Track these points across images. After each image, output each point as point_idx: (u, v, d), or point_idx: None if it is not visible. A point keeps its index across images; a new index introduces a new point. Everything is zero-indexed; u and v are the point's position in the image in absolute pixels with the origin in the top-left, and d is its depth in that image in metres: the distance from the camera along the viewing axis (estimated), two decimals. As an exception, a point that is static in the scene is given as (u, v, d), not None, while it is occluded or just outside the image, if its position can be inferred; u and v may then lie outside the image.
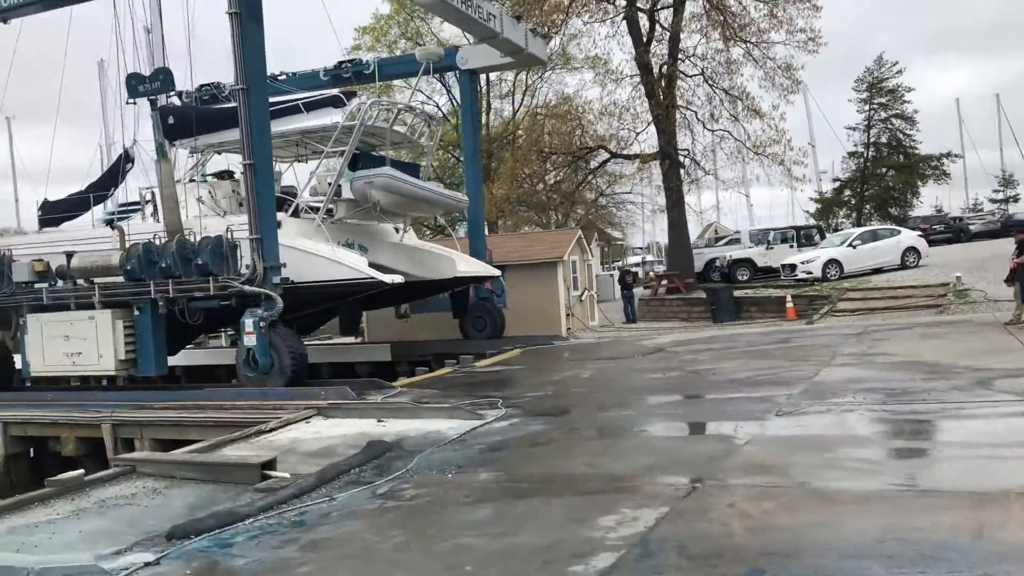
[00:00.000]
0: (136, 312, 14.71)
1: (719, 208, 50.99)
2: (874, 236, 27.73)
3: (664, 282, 29.62)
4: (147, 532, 6.46)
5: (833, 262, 25.92)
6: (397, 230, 19.02)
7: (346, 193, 16.66)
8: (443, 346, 19.64)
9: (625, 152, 33.00)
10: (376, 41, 42.51)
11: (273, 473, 7.95)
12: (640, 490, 6.54)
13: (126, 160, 19.48)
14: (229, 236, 14.16)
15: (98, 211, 18.89)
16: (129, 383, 16.37)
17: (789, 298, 22.57)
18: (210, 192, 17.22)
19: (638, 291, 29.78)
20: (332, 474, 7.83)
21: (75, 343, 14.86)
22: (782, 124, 30.19)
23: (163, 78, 14.96)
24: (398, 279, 15.26)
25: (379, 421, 10.73)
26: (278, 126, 16.87)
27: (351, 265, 15.06)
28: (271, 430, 10.59)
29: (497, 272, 19.20)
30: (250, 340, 13.65)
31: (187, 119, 17.55)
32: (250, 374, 13.76)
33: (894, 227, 32.95)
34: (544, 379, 13.78)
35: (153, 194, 16.49)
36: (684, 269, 28.93)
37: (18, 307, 15.59)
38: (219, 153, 18.92)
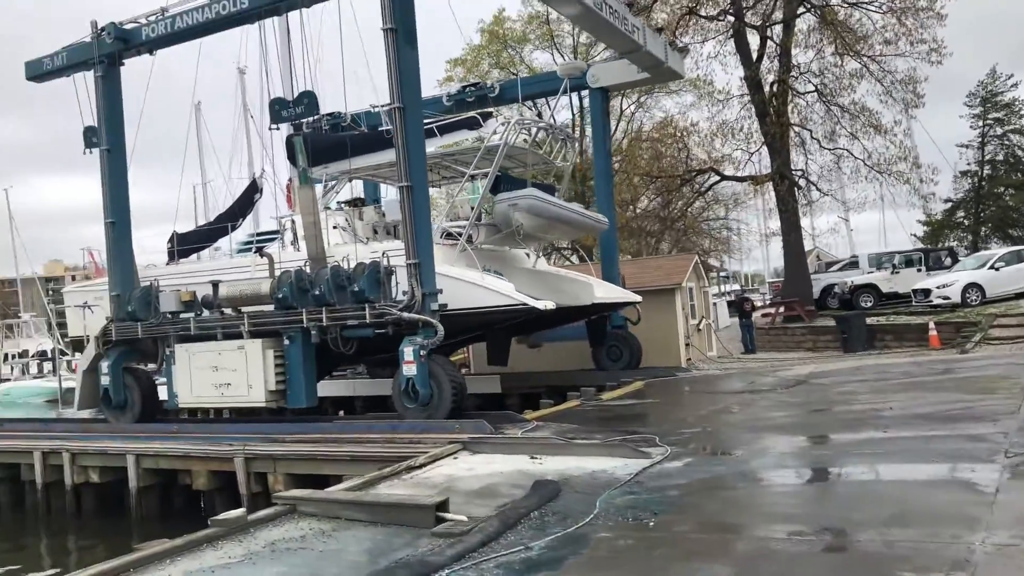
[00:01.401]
0: (286, 341, 14.26)
1: (813, 232, 49.07)
2: (1019, 258, 25.84)
3: (781, 309, 28.26)
4: (330, 582, 5.97)
5: (974, 286, 24.22)
6: (528, 255, 18.37)
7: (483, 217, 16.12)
8: (555, 377, 18.90)
9: (737, 174, 32.01)
10: (468, 72, 42.71)
11: (448, 516, 7.31)
12: (919, 550, 5.52)
13: (254, 190, 19.37)
14: (386, 262, 13.62)
15: (232, 241, 18.71)
16: (246, 414, 16.04)
17: (932, 325, 21.08)
18: (347, 219, 16.84)
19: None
20: (514, 518, 7.16)
21: (224, 374, 14.48)
22: (906, 141, 28.85)
23: (307, 102, 14.61)
24: (551, 305, 14.51)
25: (532, 458, 10.08)
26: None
27: (502, 291, 14.39)
28: (420, 466, 10.01)
29: (637, 298, 18.30)
30: (410, 370, 13.01)
31: (321, 146, 17.29)
32: (409, 405, 13.11)
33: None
34: (689, 414, 12.96)
35: (293, 222, 16.15)
36: (803, 296, 27.54)
37: (165, 337, 15.34)
38: (350, 180, 18.61)
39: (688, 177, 33.24)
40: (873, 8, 27.52)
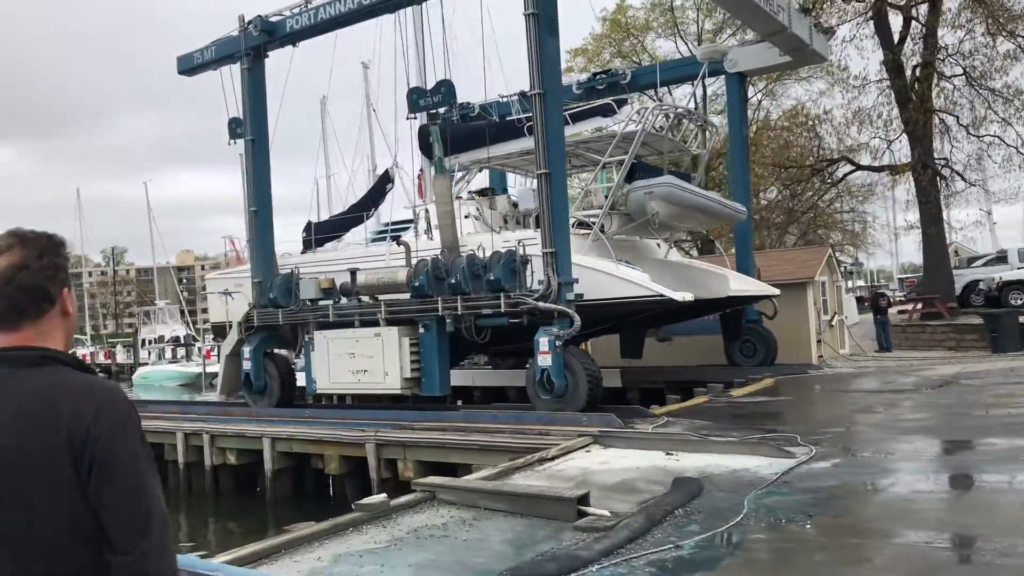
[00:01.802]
0: (421, 329, 14.33)
1: (958, 225, 45.98)
2: None
3: (919, 306, 26.58)
4: (478, 571, 5.98)
5: None
6: (658, 246, 17.86)
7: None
8: (678, 373, 18.30)
9: (873, 164, 30.34)
10: (589, 62, 42.33)
11: (589, 510, 7.11)
12: None
13: (386, 181, 19.62)
14: (522, 251, 13.46)
15: (363, 231, 19.02)
16: (369, 401, 16.15)
17: None
18: (478, 208, 16.80)
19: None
20: (659, 515, 6.88)
21: (361, 360, 14.69)
22: None
23: (444, 90, 14.63)
24: (689, 297, 14.00)
25: (668, 454, 9.74)
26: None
27: (638, 282, 13.99)
28: (552, 458, 9.81)
29: (775, 291, 17.50)
30: (544, 360, 12.81)
31: (453, 136, 17.28)
32: (544, 396, 12.91)
33: None
34: (828, 413, 12.29)
35: (427, 211, 16.23)
36: (944, 292, 25.80)
37: (305, 324, 15.71)
38: (481, 170, 18.58)
39: (820, 167, 31.76)
40: None
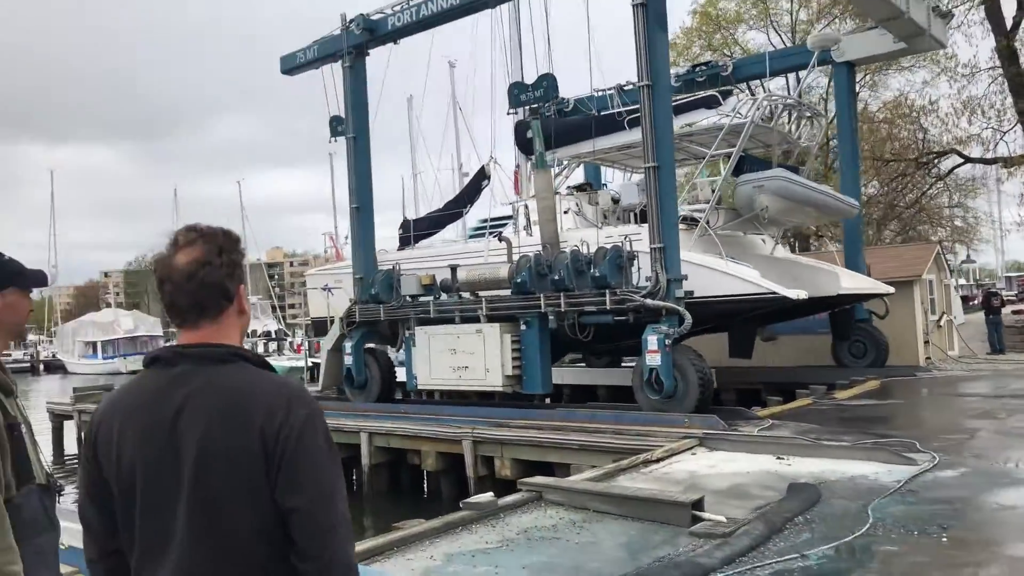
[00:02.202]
0: (523, 327, 14.17)
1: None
2: None
3: None
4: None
5: None
6: (763, 241, 17.23)
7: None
8: (775, 374, 17.65)
9: (985, 156, 28.79)
10: (679, 56, 41.61)
11: (704, 515, 6.87)
12: None
13: (482, 177, 19.53)
14: (628, 246, 13.15)
15: (461, 227, 19.01)
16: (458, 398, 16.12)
17: None
18: (577, 204, 16.54)
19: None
20: (779, 523, 6.60)
21: (462, 357, 14.63)
22: None
23: (546, 85, 14.41)
24: (803, 294, 13.42)
25: (778, 458, 9.37)
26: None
27: (749, 279, 13.49)
28: (657, 460, 9.56)
29: (889, 289, 16.69)
30: (653, 359, 12.46)
31: (552, 131, 17.06)
32: (653, 397, 12.56)
33: None
34: (944, 418, 11.65)
35: (526, 206, 16.06)
36: None
37: (406, 319, 15.75)
38: (579, 165, 18.31)
39: (926, 159, 30.32)
40: None
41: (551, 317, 13.75)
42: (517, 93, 14.87)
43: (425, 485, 15.13)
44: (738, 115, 14.91)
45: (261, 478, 1.82)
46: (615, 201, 16.73)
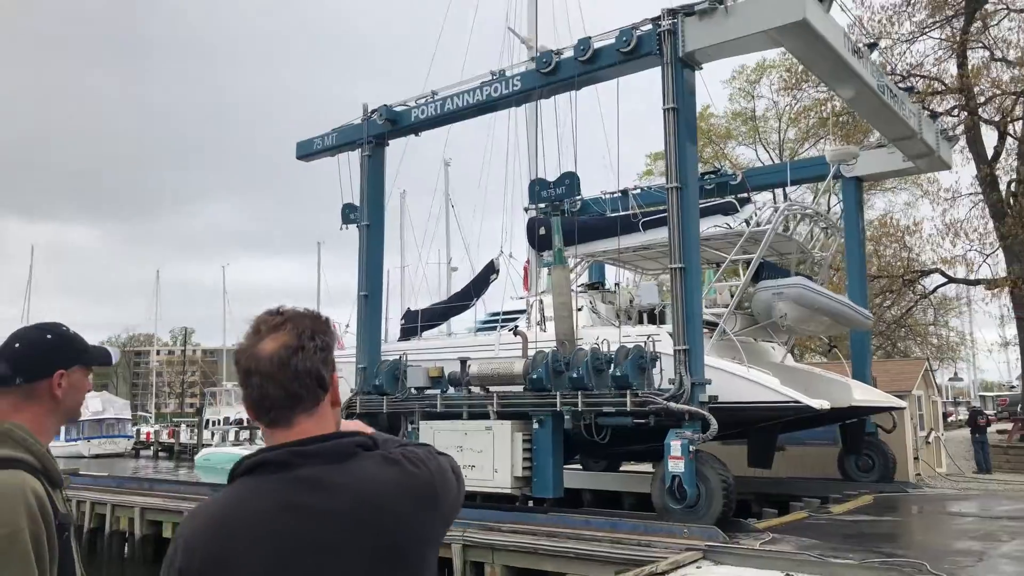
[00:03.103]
0: (536, 425, 13.69)
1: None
2: None
3: (1020, 425, 25.11)
4: None
5: None
6: (773, 349, 17.08)
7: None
8: (767, 485, 17.01)
9: (968, 277, 29.41)
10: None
11: None
12: None
13: (491, 271, 19.40)
14: (651, 347, 12.89)
15: (469, 320, 18.74)
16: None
17: None
18: (591, 301, 16.36)
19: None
20: None
21: (469, 455, 14.04)
22: None
23: (569, 182, 14.46)
24: (826, 405, 13.15)
25: (787, 575, 9.02)
26: (663, 233, 15.96)
27: (772, 387, 13.22)
28: (662, 573, 9.21)
29: (902, 403, 16.50)
30: (676, 466, 12.00)
31: (568, 229, 17.05)
32: (674, 506, 12.03)
33: None
34: (947, 538, 11.49)
35: (541, 301, 15.83)
36: None
37: (410, 413, 15.22)
38: (589, 264, 18.24)
39: (912, 277, 30.84)
40: None
41: (567, 417, 13.31)
42: (539, 190, 14.88)
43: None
44: (756, 223, 14.99)
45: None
46: (629, 302, 16.57)
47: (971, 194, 28.69)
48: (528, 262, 19.04)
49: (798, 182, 19.44)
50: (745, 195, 16.01)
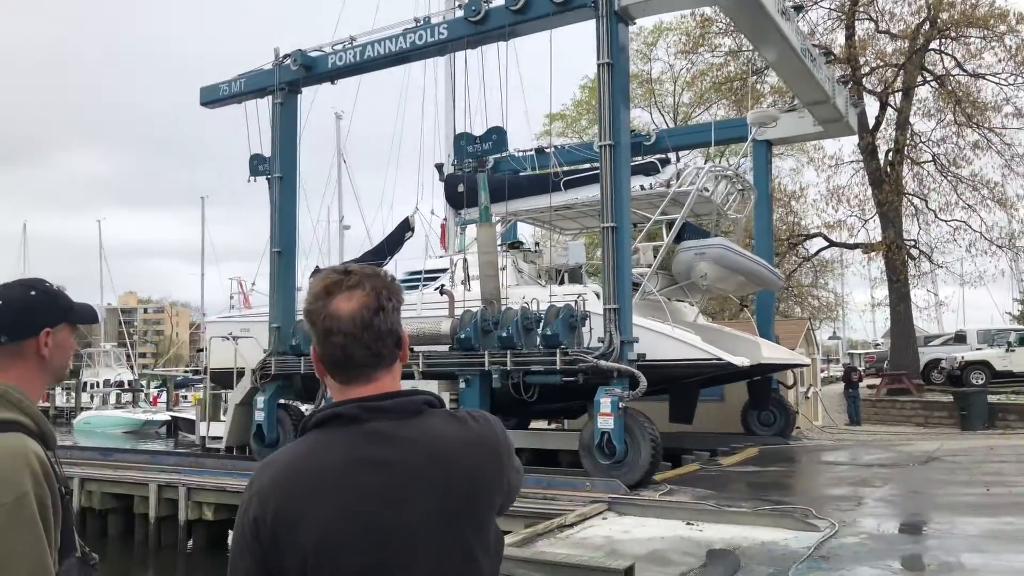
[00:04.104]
0: (463, 385, 13.48)
1: (936, 303, 46.81)
2: None
3: (887, 380, 26.81)
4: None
5: None
6: (685, 308, 17.44)
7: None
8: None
9: (848, 241, 30.91)
10: (568, 127, 42.98)
11: None
12: None
13: (406, 228, 18.90)
14: (581, 306, 12.84)
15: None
16: None
17: None
18: (513, 261, 16.18)
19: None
20: None
21: (392, 416, 13.68)
22: None
23: (497, 137, 14.11)
24: (747, 361, 13.54)
25: (688, 523, 9.54)
26: (585, 193, 15.95)
27: (696, 344, 13.49)
28: (571, 524, 9.59)
29: (807, 360, 17.20)
30: (605, 422, 12.06)
31: (495, 187, 16.76)
32: (603, 461, 12.12)
33: None
34: (827, 485, 12.57)
35: (465, 260, 15.51)
36: (910, 369, 26.03)
37: (330, 374, 14.67)
38: (508, 223, 18.01)
39: (796, 241, 32.19)
40: (997, 80, 26.60)
41: (495, 376, 13.16)
42: (464, 144, 14.46)
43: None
44: (679, 183, 15.12)
45: (490, 534, 1.72)
46: (561, 258, 16.46)
47: (852, 162, 30.09)
48: (445, 220, 18.66)
49: (693, 146, 19.74)
50: (664, 156, 16.10)
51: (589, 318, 12.93)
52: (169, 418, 39.80)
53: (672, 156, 17.44)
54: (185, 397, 37.20)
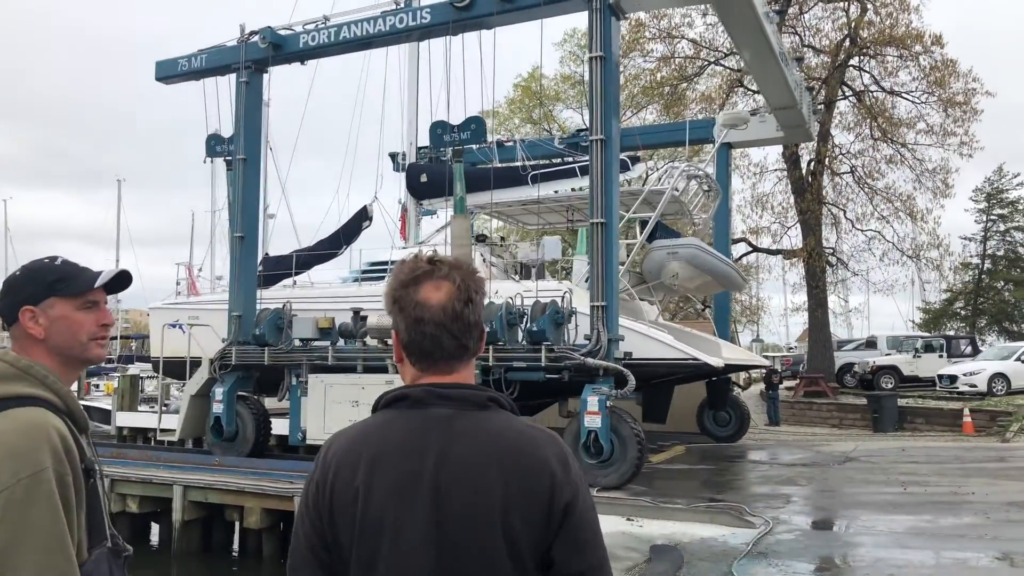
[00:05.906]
0: (440, 380, 13.09)
1: (848, 309, 48.71)
2: (1045, 350, 25.70)
3: (804, 383, 27.79)
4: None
5: (1000, 376, 24.12)
6: (648, 308, 17.52)
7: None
8: None
9: (771, 247, 31.81)
10: (500, 125, 43.02)
11: None
12: None
13: (363, 218, 18.36)
14: (568, 302, 12.67)
15: (343, 269, 17.62)
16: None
17: (967, 412, 20.79)
18: (482, 256, 15.88)
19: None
20: None
21: (366, 410, 13.13)
22: (937, 228, 29.09)
23: (475, 127, 13.80)
24: (721, 362, 13.66)
25: (628, 519, 9.77)
26: (551, 188, 15.83)
27: (672, 344, 13.51)
28: None
29: (766, 362, 17.53)
30: (592, 421, 11.92)
31: (441, 178, 16.48)
32: (589, 461, 11.98)
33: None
34: (755, 483, 13.04)
35: (435, 251, 15.10)
36: (825, 372, 27.10)
37: (296, 365, 14.06)
38: (475, 215, 17.68)
39: None
40: (911, 98, 27.87)
41: (476, 371, 12.81)
42: (440, 133, 14.08)
43: (244, 545, 13.81)
44: (653, 181, 15.15)
45: (540, 532, 1.64)
46: (533, 253, 16.25)
47: (776, 170, 30.95)
48: (405, 210, 18.20)
49: (658, 145, 19.84)
50: (634, 154, 16.10)
51: (576, 314, 12.76)
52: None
53: (641, 154, 17.46)
54: (97, 386, 35.14)
